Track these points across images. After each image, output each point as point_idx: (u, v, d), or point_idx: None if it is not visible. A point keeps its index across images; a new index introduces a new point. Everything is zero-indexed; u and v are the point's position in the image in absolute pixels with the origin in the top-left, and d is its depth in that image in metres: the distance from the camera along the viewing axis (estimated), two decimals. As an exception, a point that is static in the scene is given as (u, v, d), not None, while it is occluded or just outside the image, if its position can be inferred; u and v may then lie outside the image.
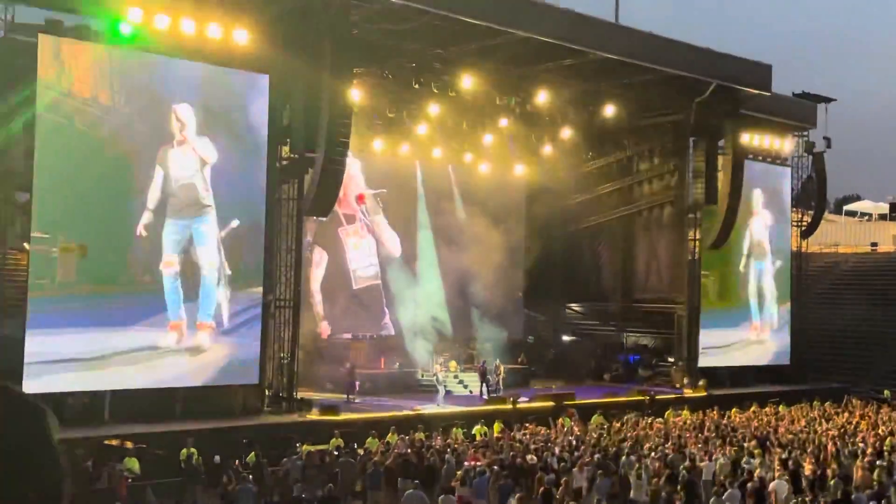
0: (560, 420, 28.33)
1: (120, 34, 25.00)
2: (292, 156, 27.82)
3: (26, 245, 24.45)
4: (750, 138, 40.10)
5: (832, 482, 18.15)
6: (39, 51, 23.69)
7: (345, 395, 31.41)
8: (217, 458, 20.45)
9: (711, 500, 17.25)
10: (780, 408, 33.09)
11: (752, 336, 41.60)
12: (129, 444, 21.31)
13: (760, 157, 42.14)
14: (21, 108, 24.25)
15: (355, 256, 38.84)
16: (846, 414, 31.58)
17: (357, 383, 32.13)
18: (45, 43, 23.90)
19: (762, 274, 42.24)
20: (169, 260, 25.81)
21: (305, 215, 28.47)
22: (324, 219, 32.47)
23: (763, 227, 42.43)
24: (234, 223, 27.06)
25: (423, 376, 35.19)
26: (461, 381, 35.76)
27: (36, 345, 23.29)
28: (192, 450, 21.03)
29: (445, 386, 33.02)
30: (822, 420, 29.62)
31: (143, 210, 25.46)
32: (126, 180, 25.38)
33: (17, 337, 23.25)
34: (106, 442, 21.41)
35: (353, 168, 38.71)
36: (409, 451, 21.56)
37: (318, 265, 37.69)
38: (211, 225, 26.70)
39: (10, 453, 1.57)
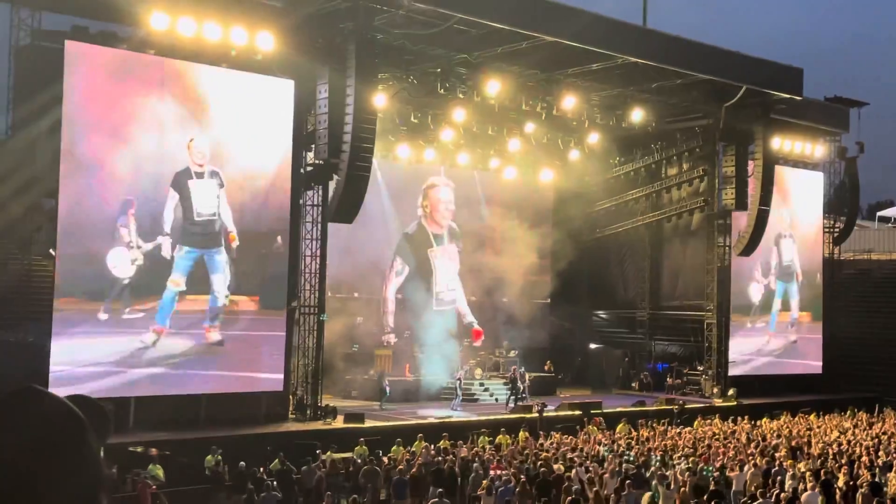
0: (587, 429, 28.24)
1: (145, 40, 25.27)
2: (317, 161, 27.98)
3: (52, 252, 24.70)
4: (781, 143, 39.85)
5: (861, 493, 17.95)
6: (66, 57, 23.96)
7: (373, 403, 31.58)
8: (242, 464, 20.53)
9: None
10: (812, 417, 32.81)
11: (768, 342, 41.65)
12: (153, 452, 21.44)
13: (792, 163, 41.89)
14: (47, 114, 24.53)
15: (440, 279, 39.38)
16: (881, 424, 31.26)
17: (388, 389, 32.30)
18: (71, 49, 24.18)
19: (787, 292, 42.17)
20: (176, 280, 26.11)
21: (330, 221, 28.58)
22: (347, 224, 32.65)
23: (791, 246, 42.30)
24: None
25: (446, 383, 35.32)
26: (486, 389, 35.73)
27: (61, 351, 23.53)
28: (218, 457, 21.15)
29: (462, 393, 33.13)
30: (856, 430, 29.33)
31: (161, 234, 25.79)
32: (145, 189, 25.58)
33: (43, 344, 23.50)
34: (130, 449, 21.55)
35: (444, 192, 39.26)
36: (434, 459, 21.57)
37: (398, 274, 38.25)
38: (224, 255, 27.01)
39: (42, 460, 1.50)
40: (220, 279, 26.92)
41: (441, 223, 39.70)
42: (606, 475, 19.65)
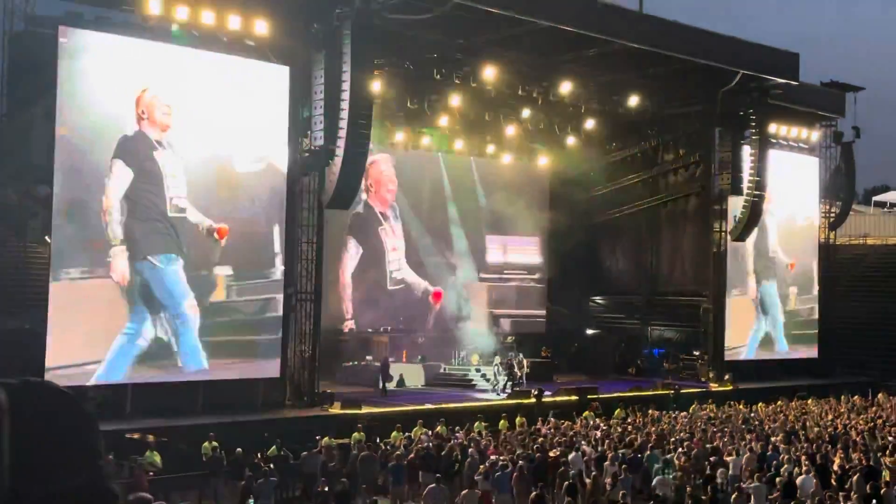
0: (584, 414, 28.31)
1: (141, 26, 25.16)
2: (313, 148, 27.90)
3: (47, 238, 24.63)
4: (777, 128, 39.83)
5: (855, 477, 18.01)
6: (60, 43, 23.81)
7: (373, 389, 31.64)
8: (239, 451, 20.55)
9: (735, 494, 17.18)
10: (808, 402, 32.89)
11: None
12: (151, 438, 21.46)
13: (788, 147, 41.85)
14: (41, 100, 24.42)
15: (393, 258, 39.09)
16: (875, 408, 31.35)
17: (391, 376, 32.29)
18: (65, 35, 24.03)
19: (769, 296, 41.81)
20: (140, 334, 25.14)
21: (326, 208, 28.52)
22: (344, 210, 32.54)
23: (776, 239, 42.12)
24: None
25: (444, 370, 35.49)
26: (483, 375, 35.76)
27: (58, 338, 23.47)
28: (215, 443, 21.17)
29: (502, 378, 33.62)
30: (851, 414, 29.42)
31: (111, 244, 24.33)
32: (141, 177, 25.47)
33: (40, 331, 23.45)
34: (127, 436, 21.57)
35: (387, 167, 38.88)
36: (430, 445, 21.59)
37: (352, 258, 37.91)
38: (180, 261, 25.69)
39: (52, 447, 1.46)
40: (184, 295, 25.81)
41: (387, 199, 39.22)
42: (606, 463, 19.68)
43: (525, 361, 35.26)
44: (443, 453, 20.57)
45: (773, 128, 39.10)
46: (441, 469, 19.16)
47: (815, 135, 42.98)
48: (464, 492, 17.28)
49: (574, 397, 31.28)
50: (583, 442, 22.50)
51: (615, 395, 32.72)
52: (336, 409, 27.05)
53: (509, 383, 33.71)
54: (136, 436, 21.63)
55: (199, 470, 20.39)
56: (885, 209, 63.82)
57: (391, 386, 32.55)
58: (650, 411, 28.91)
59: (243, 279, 27.07)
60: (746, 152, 37.71)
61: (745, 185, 37.56)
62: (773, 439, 23.13)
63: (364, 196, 37.47)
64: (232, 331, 26.66)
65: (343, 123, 26.55)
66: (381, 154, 38.04)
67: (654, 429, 25.00)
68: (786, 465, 19.44)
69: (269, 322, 27.44)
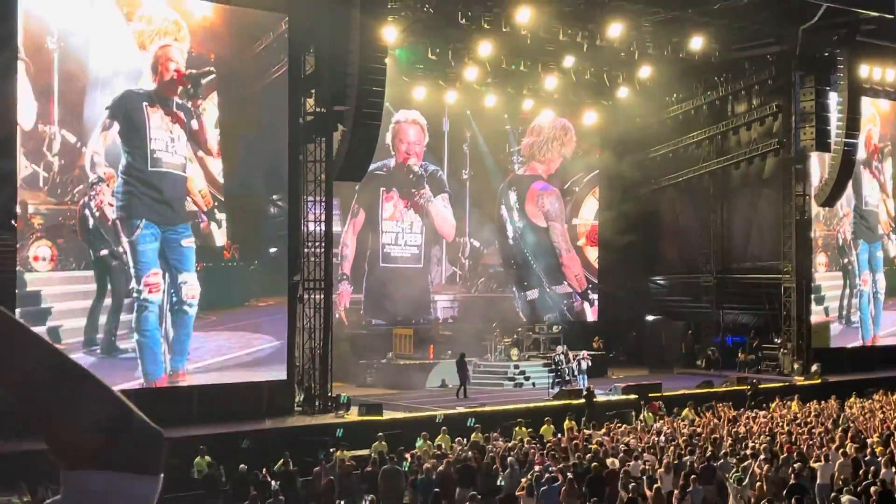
0: (641, 415, 28.38)
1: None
2: (318, 110, 27.96)
3: (13, 222, 24.79)
4: (869, 71, 39.47)
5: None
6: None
7: (390, 391, 31.88)
8: (243, 467, 20.73)
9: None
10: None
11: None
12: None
13: (883, 94, 41.48)
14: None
15: (389, 228, 39.07)
16: None
17: (469, 375, 32.54)
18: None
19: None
20: (151, 280, 25.58)
21: (335, 180, 28.63)
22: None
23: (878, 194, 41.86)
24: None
25: (501, 359, 35.91)
26: (522, 372, 35.89)
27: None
28: (207, 458, 21.39)
29: (569, 371, 34.00)
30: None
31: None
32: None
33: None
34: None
35: (412, 132, 38.85)
36: (466, 455, 21.74)
37: (354, 215, 38.05)
38: (191, 237, 26.23)
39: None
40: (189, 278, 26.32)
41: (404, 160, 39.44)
42: (661, 470, 19.76)
43: (585, 354, 35.16)
44: (491, 465, 20.72)
45: (864, 71, 38.76)
46: (478, 483, 19.29)
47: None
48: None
49: (633, 396, 31.31)
50: (643, 449, 22.58)
51: (681, 392, 32.73)
52: (353, 416, 27.27)
53: (558, 381, 33.85)
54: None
55: (193, 489, 20.56)
56: None
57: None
58: (723, 411, 28.92)
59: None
60: (833, 101, 37.45)
61: (833, 139, 37.33)
62: (869, 441, 23.08)
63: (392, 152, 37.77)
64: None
65: (352, 80, 26.62)
66: (410, 112, 38.21)
67: (728, 432, 25.04)
68: (884, 471, 19.41)
69: (272, 315, 27.63)
